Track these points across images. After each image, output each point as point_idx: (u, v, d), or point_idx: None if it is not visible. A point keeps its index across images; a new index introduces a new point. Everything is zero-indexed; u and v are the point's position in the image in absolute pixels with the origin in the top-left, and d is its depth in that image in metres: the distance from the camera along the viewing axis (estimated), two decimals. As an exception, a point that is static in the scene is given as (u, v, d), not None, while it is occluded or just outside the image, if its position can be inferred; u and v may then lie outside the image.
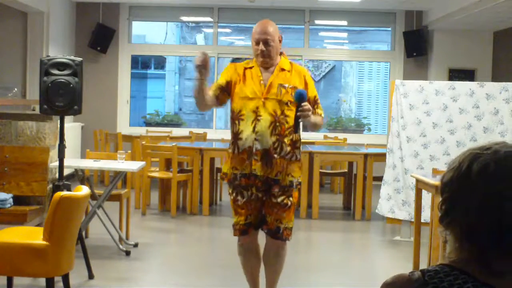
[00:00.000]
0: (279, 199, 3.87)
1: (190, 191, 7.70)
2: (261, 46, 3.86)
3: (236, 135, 3.87)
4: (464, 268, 1.38)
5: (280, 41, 3.96)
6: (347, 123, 11.71)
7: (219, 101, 3.97)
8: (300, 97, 3.76)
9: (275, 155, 3.81)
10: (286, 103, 3.82)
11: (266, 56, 3.88)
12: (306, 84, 3.90)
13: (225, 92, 3.95)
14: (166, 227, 7.10)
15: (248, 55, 14.72)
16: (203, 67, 3.76)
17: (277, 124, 3.81)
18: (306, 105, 3.74)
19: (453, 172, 1.43)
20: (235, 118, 3.88)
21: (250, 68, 3.97)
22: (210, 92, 3.91)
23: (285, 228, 3.92)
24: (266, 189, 3.87)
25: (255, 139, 3.80)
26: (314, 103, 3.90)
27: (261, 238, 4.12)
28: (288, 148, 3.85)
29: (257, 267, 4.13)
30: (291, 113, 3.82)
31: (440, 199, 1.45)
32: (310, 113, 3.76)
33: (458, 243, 1.41)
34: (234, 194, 3.92)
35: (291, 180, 3.87)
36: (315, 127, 3.96)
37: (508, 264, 1.36)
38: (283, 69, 3.92)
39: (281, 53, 4.01)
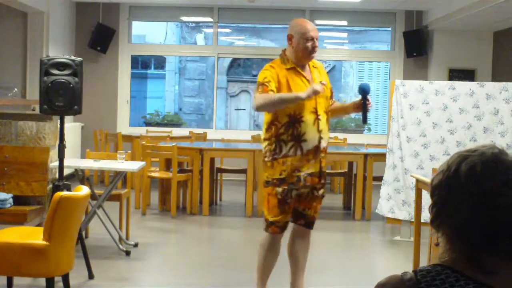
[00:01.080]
0: (320, 192, 4.10)
1: (190, 191, 7.70)
2: (316, 43, 4.03)
3: (298, 138, 3.92)
4: (456, 267, 1.40)
5: None
6: (347, 123, 11.71)
7: None
8: (368, 90, 4.02)
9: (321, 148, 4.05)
10: (326, 98, 4.06)
11: (315, 52, 4.06)
12: (327, 77, 4.21)
13: None
14: (166, 227, 7.10)
15: (248, 55, 14.61)
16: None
17: (329, 120, 4.08)
18: (369, 101, 4.03)
19: (442, 174, 1.46)
20: (295, 121, 3.92)
21: (290, 69, 4.04)
22: None
23: (314, 217, 4.19)
24: (319, 182, 4.07)
25: (321, 138, 3.98)
26: (331, 96, 4.18)
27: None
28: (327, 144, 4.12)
29: (275, 264, 4.22)
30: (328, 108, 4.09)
31: (431, 202, 1.48)
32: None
33: (449, 244, 1.43)
34: (283, 194, 3.97)
35: (326, 171, 4.17)
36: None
37: (498, 262, 1.38)
38: (314, 67, 4.13)
39: None
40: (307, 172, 3.95)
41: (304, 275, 4.27)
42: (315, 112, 3.93)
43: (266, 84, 3.90)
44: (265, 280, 4.20)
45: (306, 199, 4.05)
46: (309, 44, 3.97)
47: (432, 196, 1.48)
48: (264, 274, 4.18)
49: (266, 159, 3.99)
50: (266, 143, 3.99)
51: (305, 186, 3.97)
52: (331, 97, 4.17)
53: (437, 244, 1.47)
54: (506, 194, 1.38)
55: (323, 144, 3.99)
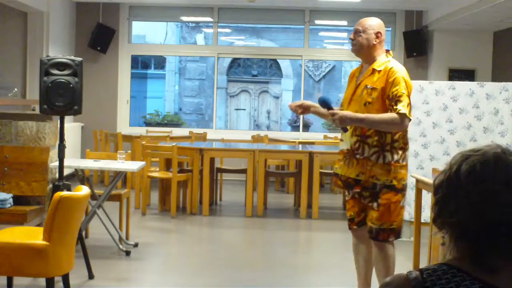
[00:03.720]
0: (366, 200, 3.90)
1: (190, 191, 7.70)
2: (352, 35, 3.93)
3: (406, 145, 3.89)
4: (461, 267, 1.41)
5: (378, 37, 3.90)
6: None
7: None
8: (322, 104, 3.85)
9: (358, 156, 3.83)
10: (364, 104, 3.81)
11: (354, 45, 3.93)
12: (387, 81, 3.80)
13: None
14: (166, 227, 7.10)
15: (248, 55, 14.55)
16: (305, 111, 4.03)
17: (354, 126, 3.83)
18: (332, 112, 3.75)
19: (444, 174, 1.49)
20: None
21: (357, 69, 4.06)
22: None
23: (379, 229, 3.91)
24: (348, 188, 3.97)
25: (341, 140, 3.95)
26: (392, 100, 3.76)
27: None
28: (373, 150, 3.80)
29: (361, 266, 4.15)
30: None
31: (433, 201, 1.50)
32: (336, 119, 3.73)
33: (452, 243, 1.45)
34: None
35: (375, 183, 3.82)
36: (374, 125, 3.75)
37: (501, 261, 1.39)
38: (374, 70, 3.88)
39: (387, 51, 3.98)
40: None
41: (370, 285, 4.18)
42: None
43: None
44: (358, 281, 4.22)
45: (355, 200, 4.07)
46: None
47: (434, 195, 1.49)
48: (357, 274, 4.22)
49: None
50: None
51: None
52: (390, 107, 3.77)
53: (443, 244, 1.48)
54: (505, 193, 1.39)
55: (341, 146, 3.96)
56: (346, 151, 3.88)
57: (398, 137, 3.80)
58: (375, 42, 3.89)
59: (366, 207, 3.92)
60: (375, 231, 3.89)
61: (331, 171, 9.27)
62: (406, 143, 3.87)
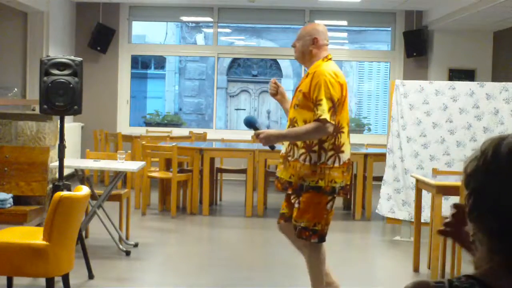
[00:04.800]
0: (293, 200, 3.96)
1: (190, 191, 7.70)
2: (294, 43, 4.04)
3: (339, 148, 3.85)
4: (492, 282, 1.23)
5: (314, 43, 3.93)
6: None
7: None
8: (248, 124, 3.89)
9: (289, 158, 3.92)
10: (294, 107, 3.93)
11: (294, 52, 4.05)
12: (310, 85, 3.80)
13: None
14: (166, 227, 7.10)
15: (248, 55, 14.58)
16: (276, 94, 4.00)
17: (290, 126, 3.95)
18: (257, 133, 3.83)
19: (477, 160, 1.31)
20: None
21: None
22: None
23: (301, 228, 3.92)
24: (284, 190, 3.98)
25: (282, 143, 3.99)
26: (314, 104, 3.77)
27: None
28: (301, 151, 3.87)
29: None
30: (298, 116, 3.86)
31: (466, 193, 1.33)
32: (262, 138, 3.78)
33: (488, 244, 1.27)
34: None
35: (302, 184, 3.86)
36: (299, 138, 3.82)
37: None
38: (308, 74, 3.93)
39: (326, 57, 3.94)
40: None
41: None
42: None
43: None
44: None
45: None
46: None
47: (467, 185, 1.33)
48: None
49: None
50: None
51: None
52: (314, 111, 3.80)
53: (470, 250, 1.33)
54: None
55: (282, 150, 3.97)
56: (283, 154, 3.94)
57: (326, 138, 3.79)
58: (311, 48, 3.94)
59: (293, 206, 3.97)
60: (297, 229, 3.91)
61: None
62: (339, 145, 3.83)
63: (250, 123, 3.87)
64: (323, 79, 3.78)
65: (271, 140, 3.83)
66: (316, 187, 3.80)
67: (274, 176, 3.98)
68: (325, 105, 3.72)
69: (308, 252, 4.00)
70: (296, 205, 3.88)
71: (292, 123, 3.87)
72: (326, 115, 3.70)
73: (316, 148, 3.79)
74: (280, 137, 3.88)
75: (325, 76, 3.78)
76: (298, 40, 3.99)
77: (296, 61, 4.16)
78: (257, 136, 3.83)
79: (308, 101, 3.80)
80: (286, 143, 3.91)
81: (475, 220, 1.29)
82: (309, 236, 3.89)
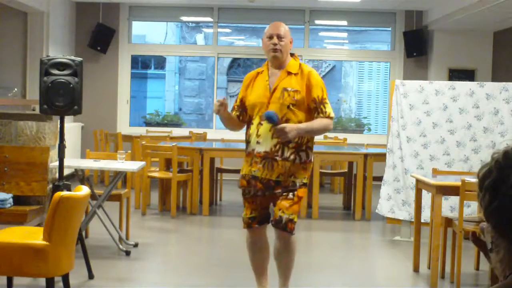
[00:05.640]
0: (278, 191, 3.97)
1: (190, 191, 7.70)
2: (275, 40, 3.96)
3: (247, 138, 4.07)
4: None
5: (291, 42, 4.05)
6: (347, 123, 11.71)
7: (243, 120, 4.14)
8: (268, 119, 3.85)
9: (277, 158, 3.91)
10: (288, 106, 3.90)
11: (278, 51, 3.95)
12: (310, 86, 3.93)
13: (244, 111, 4.11)
14: (166, 227, 7.10)
15: (248, 55, 14.62)
16: (222, 110, 3.95)
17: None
18: (279, 127, 3.80)
19: (489, 165, 1.34)
20: (248, 122, 4.05)
21: (262, 72, 4.07)
22: (233, 114, 4.12)
23: (288, 219, 3.95)
24: (268, 189, 3.98)
25: (257, 142, 3.96)
26: (319, 103, 3.93)
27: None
28: (291, 151, 3.92)
29: (263, 262, 4.21)
30: (293, 117, 3.90)
31: (480, 194, 1.34)
32: (287, 132, 3.79)
33: (508, 251, 1.24)
34: (242, 190, 4.11)
35: (294, 181, 3.94)
36: (314, 133, 3.99)
37: None
38: (289, 73, 3.98)
39: (292, 55, 4.08)
40: (243, 172, 4.07)
41: (288, 282, 4.22)
42: (260, 116, 3.94)
43: (236, 97, 4.15)
44: (258, 281, 4.22)
45: (270, 198, 4.03)
46: (269, 42, 3.99)
47: (480, 187, 1.34)
48: (254, 274, 4.24)
49: None
50: None
51: (242, 186, 4.07)
52: (316, 110, 3.93)
53: (491, 251, 1.30)
54: None
55: (258, 149, 3.94)
56: (264, 153, 3.93)
57: (311, 138, 4.01)
58: (290, 48, 4.04)
59: (274, 199, 3.98)
60: (285, 221, 3.94)
61: (330, 171, 9.29)
62: (313, 144, 4.08)
63: (272, 118, 3.84)
64: (320, 79, 4.01)
65: (293, 134, 3.84)
66: (305, 184, 4.00)
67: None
68: (329, 103, 3.96)
69: (292, 243, 4.08)
70: (290, 197, 3.92)
71: (282, 123, 3.87)
72: (333, 114, 3.96)
73: (304, 147, 3.96)
74: (301, 132, 3.89)
75: (319, 77, 4.03)
76: (281, 39, 3.97)
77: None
78: (278, 130, 3.81)
79: (305, 102, 3.91)
80: (271, 143, 3.90)
81: (490, 214, 1.29)
82: (293, 228, 4.01)
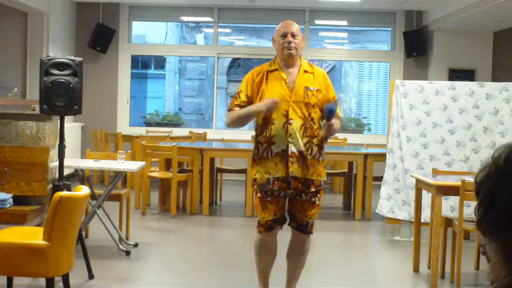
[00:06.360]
0: (309, 197, 3.98)
1: (190, 191, 7.70)
2: (289, 38, 3.95)
3: (269, 140, 3.93)
4: None
5: (302, 40, 4.06)
6: (347, 123, 11.71)
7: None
8: (331, 113, 3.83)
9: (308, 156, 3.92)
10: (313, 106, 3.93)
11: (293, 49, 3.95)
12: (327, 86, 4.02)
13: None
14: (166, 227, 7.10)
15: (248, 55, 14.61)
16: (273, 109, 3.89)
17: (307, 126, 3.91)
18: (332, 123, 3.83)
19: (489, 168, 1.25)
20: (267, 123, 3.92)
21: (273, 71, 4.01)
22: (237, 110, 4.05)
23: (312, 223, 4.07)
24: (298, 188, 3.95)
25: (290, 142, 3.89)
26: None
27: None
28: (316, 149, 3.96)
29: (271, 265, 4.19)
30: (315, 115, 3.94)
31: (476, 203, 1.28)
32: (337, 130, 3.91)
33: (502, 254, 1.20)
34: (262, 193, 3.97)
35: (320, 180, 4.00)
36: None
37: None
38: (306, 71, 4.00)
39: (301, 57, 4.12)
40: (275, 175, 3.91)
41: (297, 281, 4.24)
42: (286, 115, 3.88)
43: (237, 96, 4.01)
44: (263, 282, 4.20)
45: (293, 201, 4.01)
46: (284, 40, 3.98)
47: (477, 194, 1.27)
48: (260, 276, 4.19)
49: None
50: (254, 143, 4.10)
51: (273, 189, 3.92)
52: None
53: (488, 261, 1.25)
54: None
55: (292, 149, 3.89)
56: (299, 153, 3.90)
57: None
58: (302, 46, 4.07)
59: (302, 204, 3.98)
60: (310, 225, 4.06)
61: (330, 171, 9.28)
62: None
63: (333, 113, 3.85)
64: (328, 78, 4.10)
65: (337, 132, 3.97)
66: (325, 182, 4.09)
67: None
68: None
69: (308, 244, 4.16)
70: (315, 200, 3.99)
71: (308, 121, 3.90)
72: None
73: (322, 145, 4.01)
74: (336, 132, 4.01)
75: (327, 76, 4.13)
76: (295, 37, 3.99)
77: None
78: (331, 126, 3.85)
79: (323, 101, 3.94)
80: (301, 141, 3.89)
81: (486, 228, 1.24)
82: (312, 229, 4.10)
